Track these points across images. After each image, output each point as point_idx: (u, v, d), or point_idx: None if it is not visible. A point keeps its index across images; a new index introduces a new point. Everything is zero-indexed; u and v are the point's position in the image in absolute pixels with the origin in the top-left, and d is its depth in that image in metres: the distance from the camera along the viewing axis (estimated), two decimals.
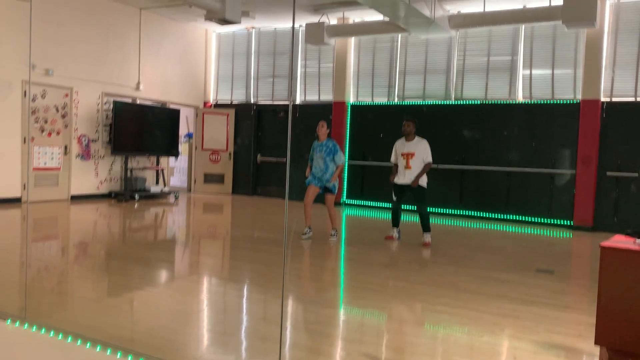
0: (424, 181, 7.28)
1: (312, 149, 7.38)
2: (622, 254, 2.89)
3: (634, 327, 2.84)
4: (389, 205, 11.34)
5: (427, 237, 7.26)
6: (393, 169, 7.51)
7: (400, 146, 7.37)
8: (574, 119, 9.60)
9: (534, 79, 10.17)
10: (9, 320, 3.54)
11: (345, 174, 11.89)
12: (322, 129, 7.25)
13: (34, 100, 10.06)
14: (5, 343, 3.52)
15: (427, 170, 7.25)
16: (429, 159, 7.24)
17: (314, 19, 11.23)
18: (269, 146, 13.21)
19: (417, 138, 7.32)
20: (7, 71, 9.49)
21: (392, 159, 7.53)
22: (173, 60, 12.88)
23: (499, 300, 4.68)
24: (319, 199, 7.46)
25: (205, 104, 13.80)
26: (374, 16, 10.32)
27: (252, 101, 13.36)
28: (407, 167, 7.21)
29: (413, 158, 7.18)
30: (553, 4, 8.93)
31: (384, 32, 10.61)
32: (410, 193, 7.33)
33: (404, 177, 7.26)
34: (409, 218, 9.12)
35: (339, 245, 7.31)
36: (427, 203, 7.37)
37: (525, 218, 10.03)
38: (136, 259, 6.00)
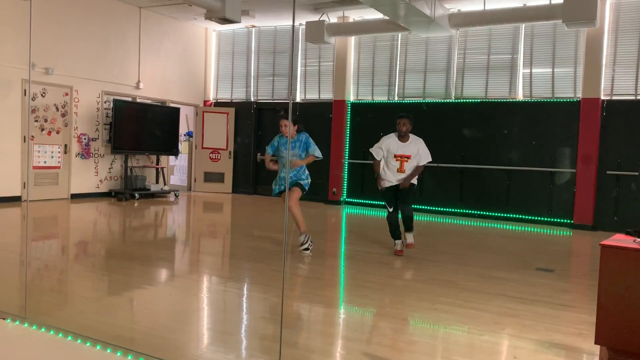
0: (415, 178, 6.42)
1: (275, 145, 6.48)
2: (622, 252, 2.88)
3: (634, 327, 2.83)
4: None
5: (411, 238, 6.41)
6: (379, 174, 6.41)
7: (394, 145, 6.32)
8: (574, 118, 9.59)
9: (534, 77, 10.16)
10: (9, 319, 3.54)
11: (345, 173, 11.88)
12: (285, 129, 6.24)
13: (33, 99, 10.06)
14: (5, 342, 3.51)
15: (420, 172, 6.39)
16: (428, 158, 6.36)
17: (314, 17, 11.22)
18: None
19: (411, 137, 6.36)
20: (7, 70, 9.49)
21: (378, 156, 6.40)
22: (173, 58, 12.87)
23: (499, 299, 4.68)
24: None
25: (205, 102, 13.80)
26: (374, 15, 10.31)
27: (252, 100, 13.36)
28: (401, 170, 6.28)
29: (409, 161, 6.28)
30: (553, 2, 8.92)
31: (384, 31, 10.62)
32: (397, 193, 6.35)
33: (393, 177, 6.33)
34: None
35: (339, 244, 7.30)
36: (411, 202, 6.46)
37: (525, 217, 10.03)
38: (136, 258, 5.99)
